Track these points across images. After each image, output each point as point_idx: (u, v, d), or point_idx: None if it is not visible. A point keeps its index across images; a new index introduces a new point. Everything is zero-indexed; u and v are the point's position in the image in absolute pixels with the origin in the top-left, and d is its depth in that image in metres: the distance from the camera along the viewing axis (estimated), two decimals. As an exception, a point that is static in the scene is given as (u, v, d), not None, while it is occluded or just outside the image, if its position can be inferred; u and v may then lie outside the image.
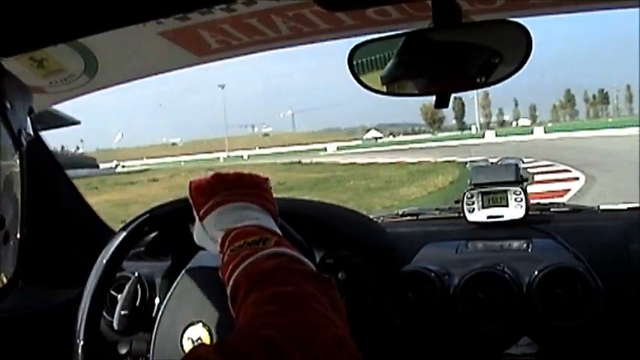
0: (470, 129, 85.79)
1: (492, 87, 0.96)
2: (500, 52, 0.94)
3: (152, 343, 1.02)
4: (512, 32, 0.92)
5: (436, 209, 1.79)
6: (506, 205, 1.53)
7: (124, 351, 1.29)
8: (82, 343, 0.98)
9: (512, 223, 1.51)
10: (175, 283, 1.07)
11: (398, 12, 1.15)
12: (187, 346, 0.96)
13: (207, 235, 0.89)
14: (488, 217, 1.53)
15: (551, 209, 1.65)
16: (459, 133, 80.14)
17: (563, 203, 1.73)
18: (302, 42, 1.30)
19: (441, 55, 0.95)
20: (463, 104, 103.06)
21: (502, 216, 1.52)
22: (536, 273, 1.27)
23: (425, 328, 1.33)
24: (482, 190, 1.55)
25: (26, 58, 1.23)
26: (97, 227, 1.64)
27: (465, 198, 1.56)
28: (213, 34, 1.25)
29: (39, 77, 1.32)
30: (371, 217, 1.67)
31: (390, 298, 1.33)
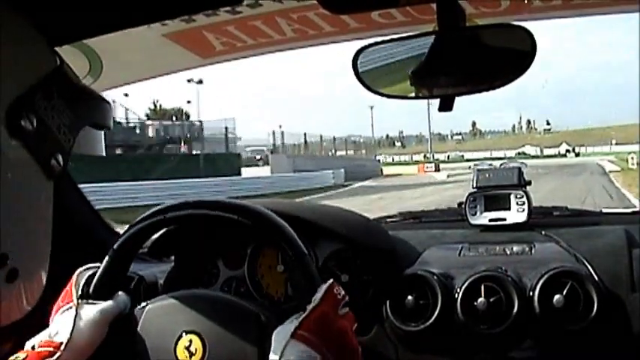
0: None
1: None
2: (504, 56, 0.94)
3: (143, 336, 1.02)
4: (516, 35, 0.93)
5: (439, 212, 1.79)
6: (509, 209, 1.53)
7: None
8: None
9: (515, 227, 1.51)
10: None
11: (402, 15, 1.15)
12: (180, 351, 0.96)
13: (282, 348, 0.87)
14: (491, 221, 1.53)
15: (554, 213, 1.65)
16: None
17: (566, 207, 1.72)
18: (307, 44, 1.31)
19: (445, 59, 0.96)
20: None
21: (504, 219, 1.52)
22: (538, 277, 1.27)
23: (427, 331, 1.33)
24: (485, 193, 1.55)
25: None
26: (100, 229, 1.64)
27: (468, 201, 1.56)
28: (217, 36, 1.26)
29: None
30: (373, 219, 1.67)
31: (392, 301, 1.33)
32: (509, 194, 1.53)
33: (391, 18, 1.16)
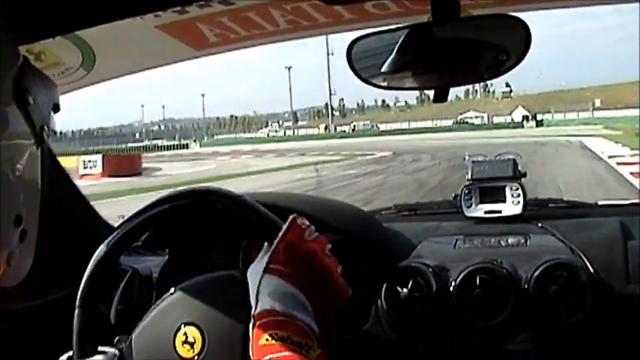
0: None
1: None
2: (499, 47, 0.94)
3: (139, 332, 1.01)
4: (511, 26, 0.92)
5: (434, 204, 1.79)
6: (504, 201, 1.53)
7: (121, 346, 1.28)
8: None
9: (510, 219, 1.51)
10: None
11: (396, 6, 1.14)
12: (179, 344, 0.96)
13: (257, 285, 0.87)
14: (486, 213, 1.53)
15: (549, 205, 1.65)
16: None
17: (561, 199, 1.73)
18: (300, 35, 1.30)
19: (439, 49, 0.95)
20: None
21: (500, 211, 1.52)
22: (534, 269, 1.27)
23: (422, 323, 1.33)
24: (480, 185, 1.55)
25: (23, 50, 1.23)
26: (95, 223, 1.63)
27: (463, 193, 1.56)
28: (211, 27, 1.25)
29: (36, 70, 1.31)
30: (369, 211, 1.67)
31: (387, 293, 1.33)
32: (505, 186, 1.53)
33: (385, 9, 1.15)
